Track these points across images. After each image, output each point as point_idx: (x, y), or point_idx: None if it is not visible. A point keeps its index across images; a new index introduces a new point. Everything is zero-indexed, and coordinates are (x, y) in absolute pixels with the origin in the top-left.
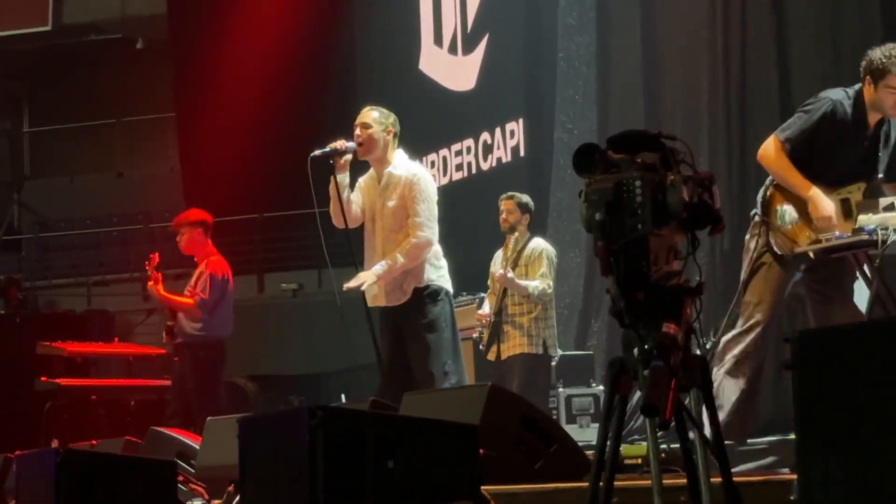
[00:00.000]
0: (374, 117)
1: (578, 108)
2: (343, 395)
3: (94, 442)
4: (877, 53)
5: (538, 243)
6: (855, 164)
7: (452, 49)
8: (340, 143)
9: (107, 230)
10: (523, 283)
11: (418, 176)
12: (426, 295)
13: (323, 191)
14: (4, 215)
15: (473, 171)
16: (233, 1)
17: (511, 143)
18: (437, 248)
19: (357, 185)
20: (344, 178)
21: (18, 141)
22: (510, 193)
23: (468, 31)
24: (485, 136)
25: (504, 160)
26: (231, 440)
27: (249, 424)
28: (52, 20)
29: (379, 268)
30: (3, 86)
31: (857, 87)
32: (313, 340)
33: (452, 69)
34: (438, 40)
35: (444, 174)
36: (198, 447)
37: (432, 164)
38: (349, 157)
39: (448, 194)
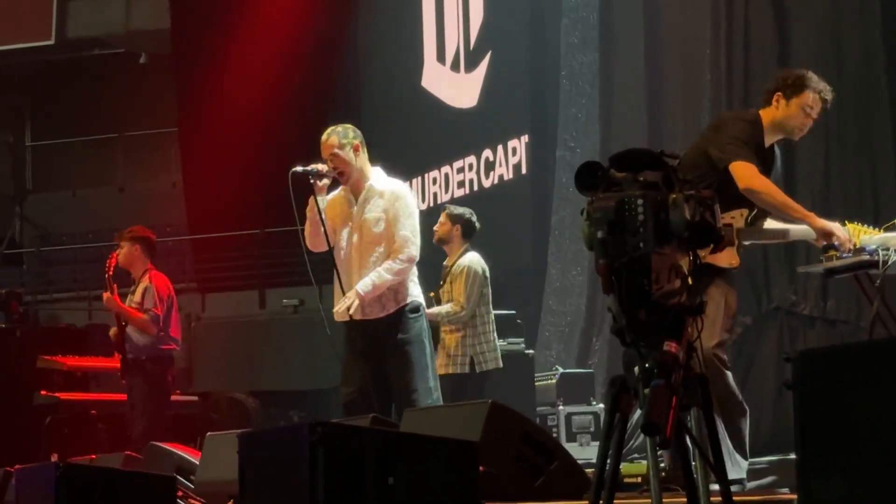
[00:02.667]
0: (337, 142)
1: (581, 126)
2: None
3: (93, 456)
4: (793, 71)
5: (464, 259)
6: None
7: (455, 66)
8: (322, 167)
9: (108, 244)
10: (433, 310)
11: (403, 191)
12: (408, 311)
13: (301, 208)
14: (6, 229)
15: (475, 188)
16: (236, 17)
17: (513, 160)
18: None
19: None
20: (323, 200)
21: (21, 154)
22: (445, 205)
23: (471, 48)
24: (487, 153)
25: (506, 177)
26: (231, 455)
27: (249, 440)
28: (56, 34)
29: (363, 287)
30: (6, 99)
31: (752, 111)
32: (314, 356)
33: (455, 86)
34: (441, 57)
35: (446, 191)
36: (197, 462)
37: (434, 180)
38: (328, 181)
39: None
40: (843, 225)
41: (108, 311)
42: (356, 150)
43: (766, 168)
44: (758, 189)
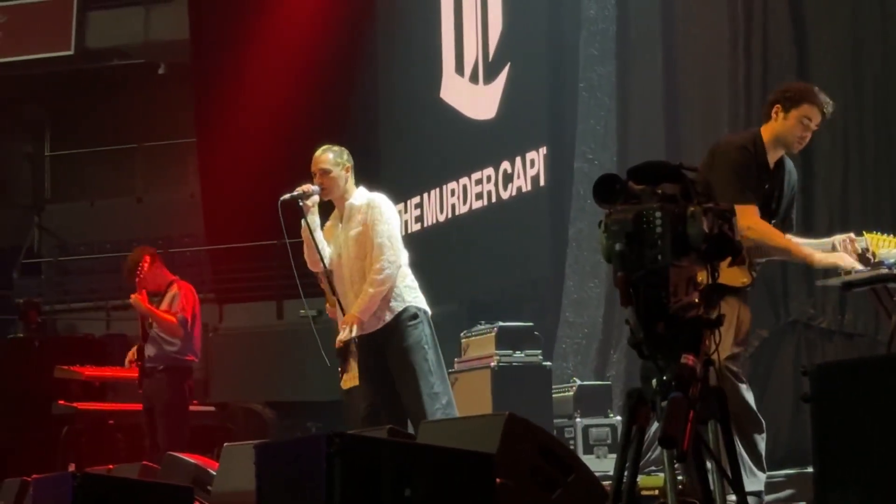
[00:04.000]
0: (330, 160)
1: (600, 139)
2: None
3: (110, 466)
4: (793, 84)
5: None
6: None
7: (474, 78)
8: (307, 187)
9: (126, 254)
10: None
11: (375, 200)
12: (405, 318)
13: (295, 230)
14: (25, 239)
15: (493, 199)
16: (255, 28)
17: (531, 172)
18: (407, 271)
19: (323, 231)
20: (314, 219)
21: (40, 164)
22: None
23: (490, 60)
24: (505, 165)
25: (524, 189)
26: (248, 466)
27: (267, 451)
28: (75, 45)
29: (357, 310)
30: (25, 110)
31: (752, 130)
32: (332, 367)
33: (473, 98)
34: (460, 69)
35: (465, 203)
36: (214, 473)
37: (452, 192)
38: (316, 198)
39: (467, 223)
40: (861, 235)
41: (127, 321)
42: (347, 170)
43: (772, 187)
44: (755, 238)
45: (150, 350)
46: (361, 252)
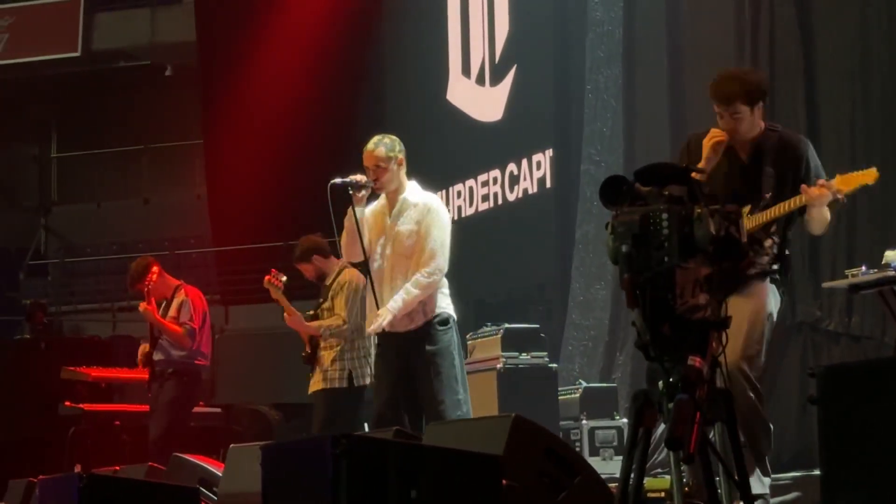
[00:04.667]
0: (383, 154)
1: (606, 141)
2: (367, 424)
3: (117, 467)
4: None
5: (344, 275)
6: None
7: (480, 80)
8: (360, 178)
9: (133, 256)
10: (313, 324)
11: (435, 204)
12: (437, 323)
13: (338, 218)
14: (31, 240)
15: (500, 201)
16: (261, 29)
17: (538, 174)
18: (445, 279)
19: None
20: (361, 211)
21: (46, 166)
22: (295, 257)
23: (496, 61)
24: (511, 166)
25: (530, 191)
26: (254, 468)
27: (273, 452)
28: (82, 46)
29: (394, 305)
30: (32, 111)
31: None
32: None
33: (480, 100)
34: (466, 71)
35: (471, 205)
36: (220, 474)
37: (458, 194)
38: (367, 192)
39: (474, 225)
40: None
41: (133, 322)
42: (400, 163)
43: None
44: None
45: (159, 354)
46: (409, 251)
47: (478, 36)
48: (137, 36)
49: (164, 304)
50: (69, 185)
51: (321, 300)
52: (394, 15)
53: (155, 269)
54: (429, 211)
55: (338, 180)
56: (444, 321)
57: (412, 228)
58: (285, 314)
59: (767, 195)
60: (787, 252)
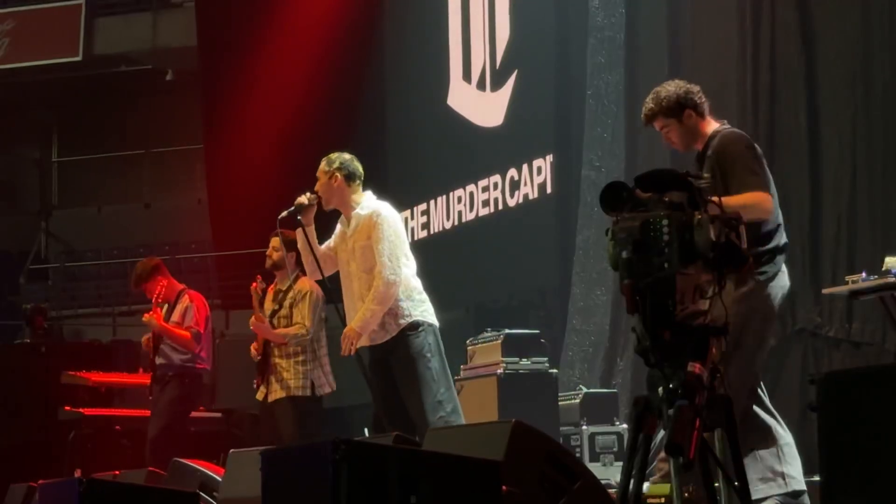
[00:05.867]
0: (321, 169)
1: (607, 146)
2: (366, 430)
3: (116, 472)
4: None
5: (304, 284)
6: None
7: (481, 85)
8: (305, 198)
9: (134, 261)
10: (279, 331)
11: (379, 214)
12: (407, 328)
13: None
14: (32, 244)
15: (500, 207)
16: (262, 34)
17: (538, 179)
18: (415, 283)
19: (335, 232)
20: (311, 230)
21: (47, 170)
22: (279, 230)
23: (497, 67)
24: (512, 172)
25: (531, 197)
26: (254, 473)
27: (273, 457)
28: (83, 50)
29: (357, 324)
30: (33, 115)
31: None
32: (337, 374)
33: (481, 105)
34: (467, 76)
35: (471, 210)
36: (220, 479)
37: (459, 199)
38: (314, 208)
39: (474, 230)
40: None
41: (134, 327)
42: (335, 180)
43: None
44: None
45: (161, 358)
46: (367, 265)
47: (479, 41)
48: (139, 40)
49: (166, 308)
50: (70, 190)
51: (276, 307)
52: (394, 20)
53: (163, 280)
54: (374, 222)
55: (284, 213)
56: (415, 325)
57: (364, 243)
58: (253, 318)
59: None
60: None
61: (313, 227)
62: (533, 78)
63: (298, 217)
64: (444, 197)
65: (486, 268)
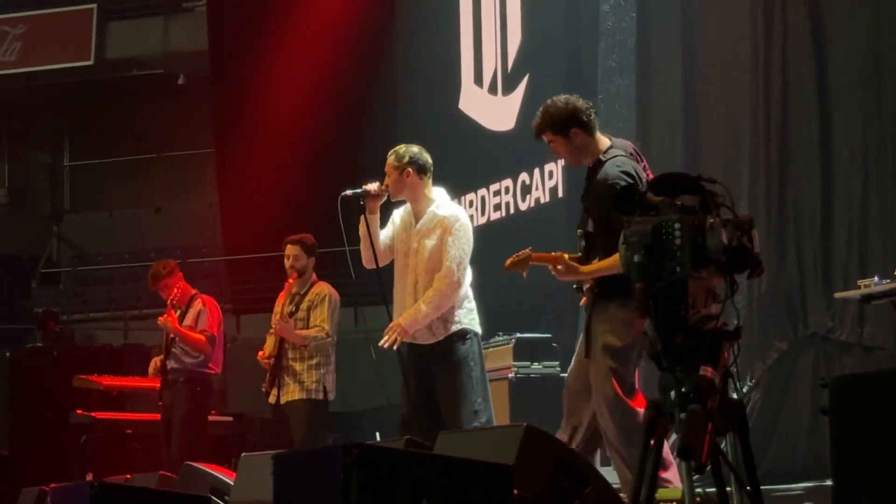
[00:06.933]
0: (390, 162)
1: None
2: (378, 434)
3: (128, 476)
4: None
5: (321, 288)
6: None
7: (492, 89)
8: (373, 187)
9: (145, 265)
10: (301, 332)
11: (458, 219)
12: (455, 335)
13: (352, 230)
14: (44, 248)
15: (512, 211)
16: (273, 38)
17: (550, 183)
18: (467, 290)
19: (391, 219)
20: (374, 218)
21: (59, 175)
22: (295, 237)
23: (508, 71)
24: (524, 176)
25: (543, 201)
26: (266, 476)
27: (284, 461)
28: (95, 55)
29: (405, 321)
30: (44, 119)
31: None
32: (348, 378)
33: (492, 109)
34: (479, 80)
35: (483, 214)
36: (232, 483)
37: (471, 203)
38: (382, 199)
39: (486, 234)
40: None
41: (145, 331)
42: (407, 174)
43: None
44: None
45: (172, 362)
46: (432, 265)
47: (490, 45)
48: (150, 45)
49: (179, 313)
50: (81, 194)
51: (292, 309)
52: (406, 23)
53: (180, 283)
54: (452, 226)
55: (348, 192)
56: (464, 333)
57: (433, 242)
58: (278, 317)
59: (579, 232)
60: None
61: (377, 215)
62: (544, 82)
63: (362, 202)
64: (456, 201)
65: (497, 272)
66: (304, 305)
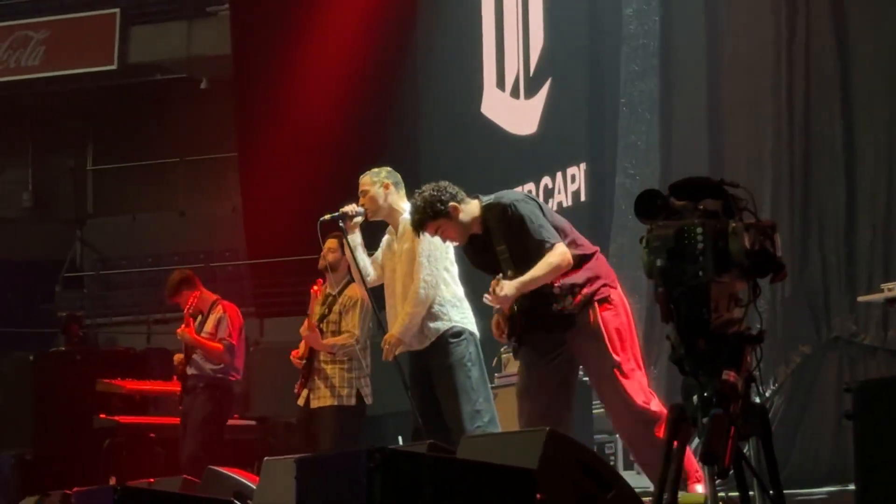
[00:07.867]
0: (366, 182)
1: (641, 154)
2: (400, 438)
3: (151, 480)
4: None
5: (354, 291)
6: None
7: (515, 93)
8: (350, 208)
9: (168, 268)
10: (328, 341)
11: None
12: (449, 336)
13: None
14: (67, 252)
15: None
16: (297, 42)
17: (572, 187)
18: (456, 289)
19: (381, 244)
20: (355, 238)
21: (82, 179)
22: (336, 233)
23: (531, 74)
24: (546, 180)
25: (565, 204)
26: (289, 481)
27: (307, 465)
28: (118, 59)
29: (398, 331)
30: (68, 124)
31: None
32: (372, 382)
33: (514, 113)
34: (501, 84)
35: None
36: (255, 487)
37: None
38: (359, 219)
39: None
40: None
41: (168, 335)
42: (385, 188)
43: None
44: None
45: (192, 369)
46: (411, 269)
47: (512, 49)
48: (173, 49)
49: (199, 319)
50: (105, 198)
51: (325, 311)
52: (428, 28)
53: (193, 293)
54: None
55: (326, 217)
56: (457, 334)
57: (409, 245)
58: (305, 325)
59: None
60: None
61: (357, 235)
62: (567, 86)
63: (341, 224)
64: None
65: None
66: (336, 308)
